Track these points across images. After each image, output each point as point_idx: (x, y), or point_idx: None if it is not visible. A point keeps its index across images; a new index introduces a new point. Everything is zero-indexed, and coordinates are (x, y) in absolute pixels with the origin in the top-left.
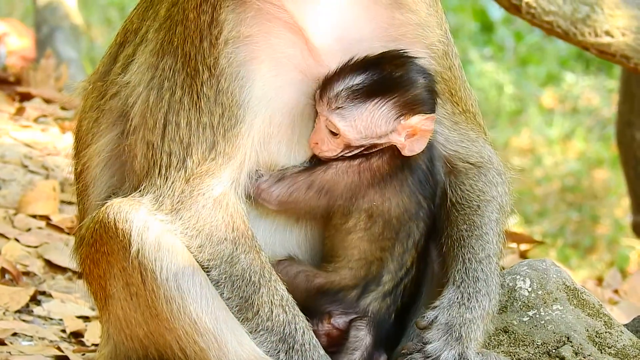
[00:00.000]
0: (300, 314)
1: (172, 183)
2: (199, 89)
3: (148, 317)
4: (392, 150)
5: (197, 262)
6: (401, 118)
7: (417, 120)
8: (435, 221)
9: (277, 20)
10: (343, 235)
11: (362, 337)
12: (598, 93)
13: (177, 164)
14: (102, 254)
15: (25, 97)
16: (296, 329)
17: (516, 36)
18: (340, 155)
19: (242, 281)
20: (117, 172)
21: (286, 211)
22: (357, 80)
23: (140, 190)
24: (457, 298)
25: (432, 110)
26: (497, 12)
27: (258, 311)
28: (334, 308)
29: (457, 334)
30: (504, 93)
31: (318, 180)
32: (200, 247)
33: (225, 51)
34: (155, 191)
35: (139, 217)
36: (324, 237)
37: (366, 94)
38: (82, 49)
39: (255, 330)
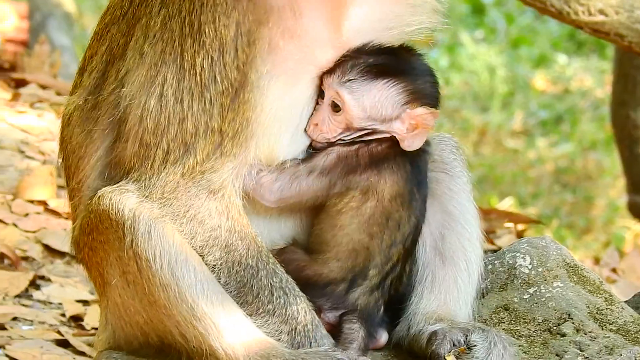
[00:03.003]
0: (301, 294)
1: (165, 175)
2: (211, 97)
3: (146, 304)
4: (392, 141)
5: (191, 246)
6: (407, 106)
7: (422, 112)
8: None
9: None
10: (333, 218)
11: (356, 329)
12: (590, 74)
13: (175, 160)
14: (98, 242)
15: (21, 83)
16: (298, 311)
17: (508, 18)
18: (338, 138)
19: (240, 266)
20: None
21: (282, 208)
22: (371, 59)
23: (129, 179)
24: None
25: (436, 107)
26: None
27: (258, 294)
28: (323, 302)
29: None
30: (496, 75)
31: (319, 165)
32: (191, 233)
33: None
34: (145, 180)
35: (129, 206)
36: (313, 228)
37: (378, 72)
38: (74, 37)
39: (256, 313)
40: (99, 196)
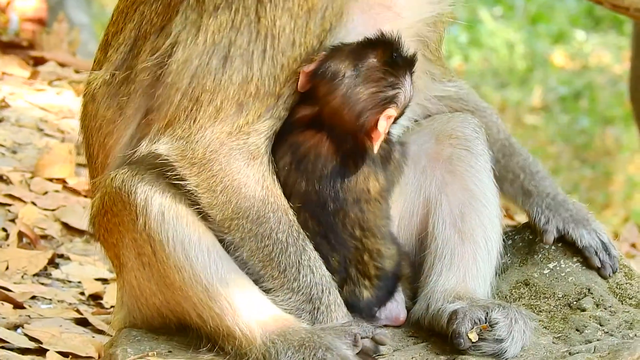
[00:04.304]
0: (327, 272)
1: (211, 132)
2: (280, 61)
3: (163, 286)
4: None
5: (216, 221)
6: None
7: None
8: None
9: None
10: None
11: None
12: (609, 50)
13: (225, 117)
14: (113, 224)
15: (39, 61)
16: (323, 290)
17: None
18: None
19: (269, 239)
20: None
21: None
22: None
23: (172, 135)
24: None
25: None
26: None
27: (284, 270)
28: None
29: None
30: (515, 52)
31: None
32: (224, 203)
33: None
34: (190, 136)
35: (141, 189)
36: None
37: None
38: (93, 14)
39: (279, 288)
40: (112, 178)
